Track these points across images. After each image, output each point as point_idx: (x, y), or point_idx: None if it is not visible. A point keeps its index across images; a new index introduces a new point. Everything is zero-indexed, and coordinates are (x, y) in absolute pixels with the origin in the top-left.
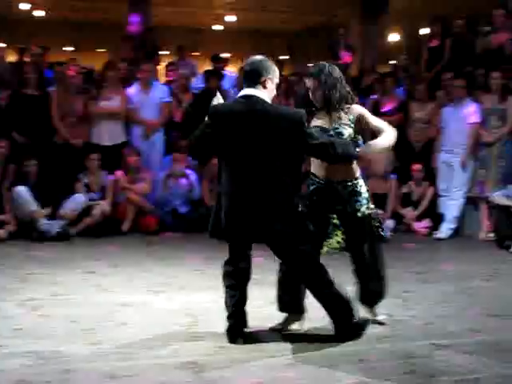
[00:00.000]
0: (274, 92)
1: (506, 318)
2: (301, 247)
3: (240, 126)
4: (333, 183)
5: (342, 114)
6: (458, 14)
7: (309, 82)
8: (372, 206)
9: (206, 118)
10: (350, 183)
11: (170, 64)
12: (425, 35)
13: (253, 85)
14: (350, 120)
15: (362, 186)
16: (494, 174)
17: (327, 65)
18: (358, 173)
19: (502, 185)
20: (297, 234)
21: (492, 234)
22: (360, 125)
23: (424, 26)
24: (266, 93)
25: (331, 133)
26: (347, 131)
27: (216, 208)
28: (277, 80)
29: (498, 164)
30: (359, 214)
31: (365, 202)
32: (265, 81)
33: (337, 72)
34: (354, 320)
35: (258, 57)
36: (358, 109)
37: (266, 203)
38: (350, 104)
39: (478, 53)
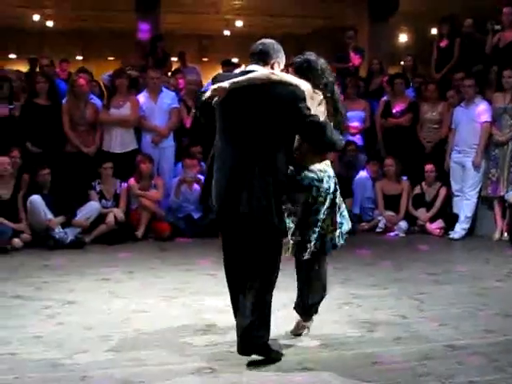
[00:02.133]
0: None
1: None
2: (274, 241)
3: (238, 99)
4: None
5: None
6: (466, 13)
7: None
8: None
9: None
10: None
11: (177, 71)
12: (435, 35)
13: (261, 63)
14: None
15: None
16: (507, 173)
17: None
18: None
19: None
20: (276, 225)
21: (506, 234)
22: None
23: (434, 26)
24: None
25: None
26: None
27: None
28: (282, 66)
29: (510, 163)
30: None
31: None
32: (273, 63)
33: None
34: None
35: (270, 39)
36: None
37: (252, 181)
38: None
39: (487, 52)
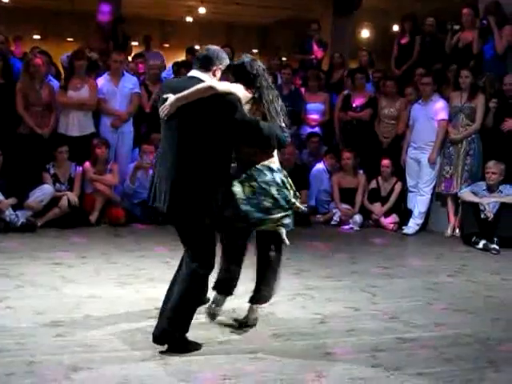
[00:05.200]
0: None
1: (470, 313)
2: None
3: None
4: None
5: None
6: (428, 11)
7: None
8: None
9: None
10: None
11: (138, 55)
12: (396, 32)
13: (203, 69)
14: None
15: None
16: (461, 170)
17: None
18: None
19: (468, 182)
20: (205, 226)
21: (458, 231)
22: None
23: (396, 23)
24: (213, 80)
25: None
26: None
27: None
28: (223, 69)
29: (464, 161)
30: None
31: None
32: (215, 70)
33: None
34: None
35: (216, 46)
36: None
37: (184, 181)
38: None
39: (446, 51)
